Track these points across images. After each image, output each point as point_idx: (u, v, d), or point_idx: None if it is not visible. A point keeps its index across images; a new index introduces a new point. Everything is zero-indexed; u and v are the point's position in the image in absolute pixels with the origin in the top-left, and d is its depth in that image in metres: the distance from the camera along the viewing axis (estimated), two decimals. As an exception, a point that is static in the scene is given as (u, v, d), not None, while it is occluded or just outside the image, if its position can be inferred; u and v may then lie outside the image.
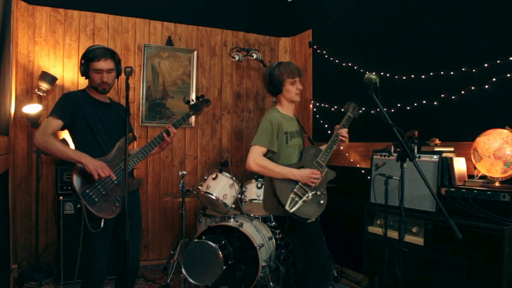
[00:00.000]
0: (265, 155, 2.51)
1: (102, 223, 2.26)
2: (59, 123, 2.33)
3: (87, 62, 2.39)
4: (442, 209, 1.96)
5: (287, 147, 2.55)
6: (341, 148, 4.00)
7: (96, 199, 2.25)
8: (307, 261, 2.56)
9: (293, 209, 2.40)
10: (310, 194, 2.47)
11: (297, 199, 2.44)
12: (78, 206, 2.24)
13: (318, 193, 2.52)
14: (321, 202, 2.55)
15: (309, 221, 2.46)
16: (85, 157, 2.24)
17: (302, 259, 2.60)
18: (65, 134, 3.60)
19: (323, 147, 2.63)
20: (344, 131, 2.61)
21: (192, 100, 2.84)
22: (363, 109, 3.60)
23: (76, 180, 2.23)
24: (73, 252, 2.83)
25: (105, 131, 2.42)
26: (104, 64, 2.37)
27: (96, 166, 2.22)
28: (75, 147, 2.42)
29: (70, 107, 2.35)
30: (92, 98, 2.45)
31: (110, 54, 2.41)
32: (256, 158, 2.46)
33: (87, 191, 2.24)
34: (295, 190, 2.45)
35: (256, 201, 3.61)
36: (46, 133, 2.28)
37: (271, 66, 2.61)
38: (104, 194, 2.28)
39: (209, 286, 3.30)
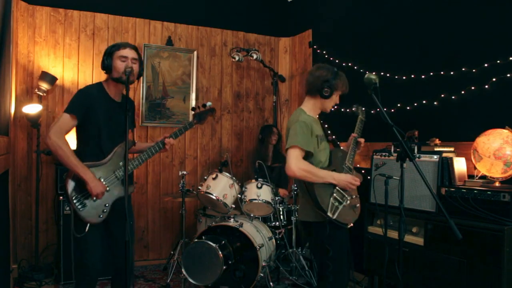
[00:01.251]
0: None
1: (87, 228, 2.28)
2: (74, 122, 2.32)
3: (110, 54, 2.38)
4: (442, 209, 1.96)
5: (319, 151, 2.43)
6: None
7: (87, 205, 2.28)
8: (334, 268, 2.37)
9: (335, 215, 2.28)
10: (349, 199, 2.38)
11: (336, 204, 2.32)
12: (67, 208, 2.26)
13: (354, 197, 2.44)
14: (357, 205, 2.47)
15: (348, 226, 2.38)
16: (90, 176, 2.25)
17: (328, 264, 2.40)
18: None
19: (344, 149, 2.58)
20: (362, 140, 2.61)
21: (198, 108, 2.75)
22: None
23: (70, 184, 2.27)
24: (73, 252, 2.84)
25: (110, 133, 2.40)
26: (130, 52, 2.39)
27: (98, 190, 2.26)
28: (77, 141, 2.42)
29: (86, 105, 2.33)
30: (107, 96, 2.42)
31: (135, 47, 2.44)
32: (298, 162, 2.27)
33: (79, 196, 2.27)
34: (334, 195, 2.32)
35: (256, 201, 3.61)
36: (62, 135, 2.26)
37: (332, 70, 2.43)
38: (94, 200, 2.30)
39: (209, 286, 3.30)
